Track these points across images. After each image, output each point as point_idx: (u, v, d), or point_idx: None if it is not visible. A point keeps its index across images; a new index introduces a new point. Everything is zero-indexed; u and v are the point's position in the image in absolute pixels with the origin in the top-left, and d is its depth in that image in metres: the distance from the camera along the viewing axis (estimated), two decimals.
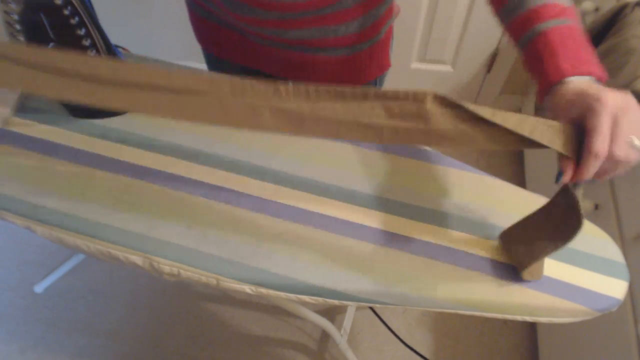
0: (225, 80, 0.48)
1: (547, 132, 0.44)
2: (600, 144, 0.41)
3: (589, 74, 0.46)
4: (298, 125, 0.47)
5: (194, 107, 0.48)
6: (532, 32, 0.48)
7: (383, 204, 0.62)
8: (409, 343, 1.29)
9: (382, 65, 0.78)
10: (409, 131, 0.46)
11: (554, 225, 0.50)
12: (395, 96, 0.46)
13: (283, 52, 0.72)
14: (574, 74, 0.45)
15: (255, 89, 0.48)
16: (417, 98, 0.45)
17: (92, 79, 0.51)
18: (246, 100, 0.48)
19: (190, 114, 0.49)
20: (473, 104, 0.45)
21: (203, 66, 0.86)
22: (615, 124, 0.41)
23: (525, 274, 0.55)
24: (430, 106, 0.45)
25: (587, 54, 0.47)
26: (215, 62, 0.84)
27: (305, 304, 0.59)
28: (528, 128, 0.44)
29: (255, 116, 0.47)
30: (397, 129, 0.46)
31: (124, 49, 0.80)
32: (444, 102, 0.45)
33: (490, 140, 0.45)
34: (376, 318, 1.33)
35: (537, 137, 0.44)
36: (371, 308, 1.30)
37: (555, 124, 0.45)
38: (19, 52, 0.51)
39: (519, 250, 0.55)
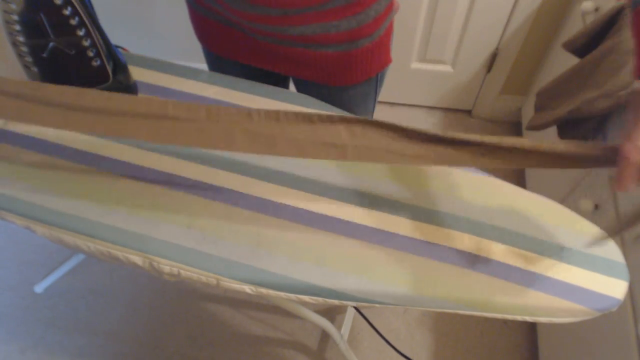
0: (201, 107, 0.53)
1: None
2: (629, 148, 0.40)
3: None
4: (270, 146, 0.52)
5: (173, 132, 0.53)
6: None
7: (383, 204, 0.62)
8: (409, 343, 1.29)
9: (383, 61, 0.79)
10: (371, 149, 0.51)
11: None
12: (358, 120, 0.50)
13: (284, 49, 0.72)
14: None
15: (229, 114, 0.52)
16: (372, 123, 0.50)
17: (76, 108, 0.54)
18: (220, 125, 0.52)
19: (169, 138, 0.53)
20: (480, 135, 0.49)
21: (203, 66, 0.86)
22: None
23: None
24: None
25: None
26: (216, 60, 0.84)
27: (305, 304, 0.59)
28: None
29: (229, 139, 0.52)
30: (359, 148, 0.51)
31: (123, 49, 0.80)
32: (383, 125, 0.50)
33: (441, 159, 0.50)
34: (376, 318, 1.33)
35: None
36: (362, 314, 1.30)
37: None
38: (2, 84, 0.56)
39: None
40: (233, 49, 0.78)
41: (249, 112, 0.52)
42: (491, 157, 0.49)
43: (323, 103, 0.73)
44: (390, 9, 0.72)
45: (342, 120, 0.50)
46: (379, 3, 0.67)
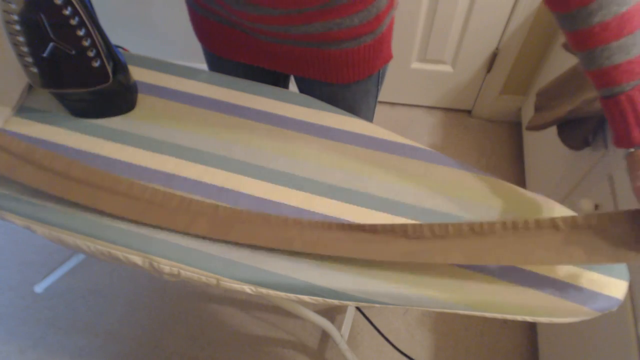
0: (175, 196, 0.62)
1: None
2: None
3: None
4: (226, 232, 0.59)
5: (142, 212, 0.60)
6: (617, 91, 0.49)
7: (383, 203, 0.62)
8: (409, 343, 1.29)
9: (385, 57, 0.79)
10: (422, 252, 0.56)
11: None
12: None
13: (287, 48, 0.72)
14: None
15: (199, 205, 0.61)
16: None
17: (64, 176, 0.62)
18: (188, 213, 0.60)
19: (139, 216, 0.60)
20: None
21: (203, 66, 0.86)
22: None
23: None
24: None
25: None
26: (216, 60, 0.84)
27: (305, 304, 0.59)
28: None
29: (192, 223, 0.60)
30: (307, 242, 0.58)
31: (123, 49, 0.80)
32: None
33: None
34: (376, 318, 1.33)
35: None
36: (363, 314, 1.30)
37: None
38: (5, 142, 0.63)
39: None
40: (233, 49, 0.78)
41: (216, 205, 0.61)
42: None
43: (323, 103, 0.73)
44: (391, 5, 0.72)
45: (296, 223, 0.59)
46: (380, 0, 0.67)
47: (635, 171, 0.49)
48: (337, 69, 0.75)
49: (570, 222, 0.52)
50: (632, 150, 0.50)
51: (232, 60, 0.81)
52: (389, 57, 0.80)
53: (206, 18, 0.75)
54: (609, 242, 0.50)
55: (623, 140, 0.50)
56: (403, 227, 0.56)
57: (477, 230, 0.55)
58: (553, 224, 0.53)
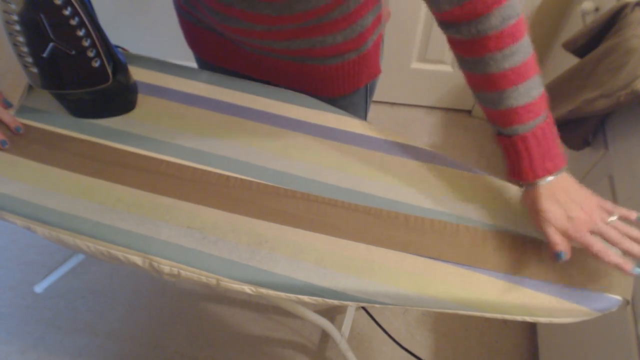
0: (188, 167, 0.65)
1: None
2: (555, 244, 0.52)
3: (556, 169, 0.54)
4: (236, 207, 0.62)
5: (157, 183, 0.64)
6: (513, 131, 0.55)
7: (383, 203, 0.62)
8: (409, 343, 1.29)
9: (372, 73, 0.78)
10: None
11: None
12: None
13: (272, 61, 0.72)
14: (544, 176, 0.54)
15: (210, 177, 0.64)
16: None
17: (88, 157, 0.66)
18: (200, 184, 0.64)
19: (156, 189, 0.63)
20: None
21: None
22: (566, 220, 0.52)
23: None
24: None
25: (557, 147, 0.55)
26: (208, 68, 0.83)
27: (305, 304, 0.59)
28: None
29: (206, 197, 0.63)
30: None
31: (123, 49, 0.80)
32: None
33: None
34: (376, 318, 1.33)
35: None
36: (367, 311, 1.30)
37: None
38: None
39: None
40: (223, 56, 0.78)
41: (227, 177, 0.64)
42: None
43: (323, 103, 0.73)
44: (377, 22, 0.71)
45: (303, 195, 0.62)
46: (365, 18, 0.66)
47: (535, 207, 0.55)
48: (322, 83, 0.74)
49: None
50: (532, 185, 0.55)
51: (223, 68, 0.81)
52: (376, 73, 0.79)
53: (194, 24, 0.75)
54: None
55: (529, 174, 0.54)
56: (406, 216, 0.61)
57: (471, 232, 0.59)
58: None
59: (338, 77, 0.74)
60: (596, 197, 0.54)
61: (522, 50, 0.51)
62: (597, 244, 0.51)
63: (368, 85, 0.80)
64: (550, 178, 0.54)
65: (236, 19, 0.62)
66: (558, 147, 0.55)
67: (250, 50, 0.72)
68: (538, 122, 0.54)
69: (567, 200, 0.53)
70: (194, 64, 0.81)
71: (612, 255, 0.50)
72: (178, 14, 0.77)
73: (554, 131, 0.55)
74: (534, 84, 0.53)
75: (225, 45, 0.75)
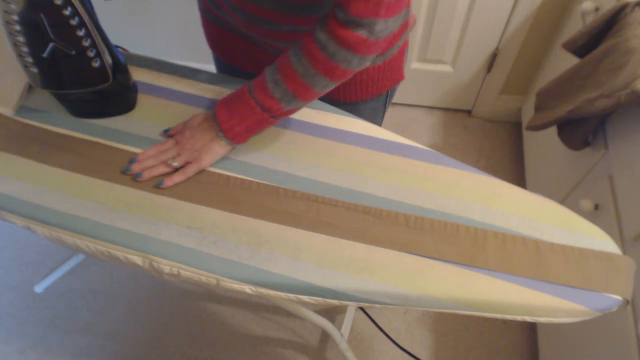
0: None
1: None
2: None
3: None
4: (236, 206, 0.62)
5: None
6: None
7: (383, 203, 0.62)
8: (409, 343, 1.29)
9: (395, 78, 0.78)
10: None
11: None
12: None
13: None
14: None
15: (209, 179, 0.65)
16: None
17: (85, 156, 0.67)
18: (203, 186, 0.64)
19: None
20: None
21: (203, 66, 0.86)
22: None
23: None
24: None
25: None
26: (226, 68, 0.84)
27: (305, 304, 0.59)
28: None
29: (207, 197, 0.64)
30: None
31: (123, 49, 0.80)
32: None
33: None
34: (376, 318, 1.33)
35: None
36: (366, 313, 1.30)
37: None
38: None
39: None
40: (242, 58, 0.78)
41: (227, 177, 0.64)
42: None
43: (323, 103, 0.73)
44: (404, 28, 0.71)
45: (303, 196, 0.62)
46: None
47: None
48: (345, 88, 0.74)
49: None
50: None
51: (240, 69, 0.81)
52: (399, 78, 0.79)
53: (217, 25, 0.75)
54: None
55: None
56: (406, 216, 0.60)
57: (471, 232, 0.59)
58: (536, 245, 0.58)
59: (362, 83, 0.74)
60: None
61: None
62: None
63: (389, 91, 0.80)
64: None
65: (263, 20, 0.62)
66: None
67: (272, 51, 0.72)
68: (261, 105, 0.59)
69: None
70: (194, 64, 0.81)
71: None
72: (202, 14, 0.77)
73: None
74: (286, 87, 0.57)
75: (246, 47, 0.75)
